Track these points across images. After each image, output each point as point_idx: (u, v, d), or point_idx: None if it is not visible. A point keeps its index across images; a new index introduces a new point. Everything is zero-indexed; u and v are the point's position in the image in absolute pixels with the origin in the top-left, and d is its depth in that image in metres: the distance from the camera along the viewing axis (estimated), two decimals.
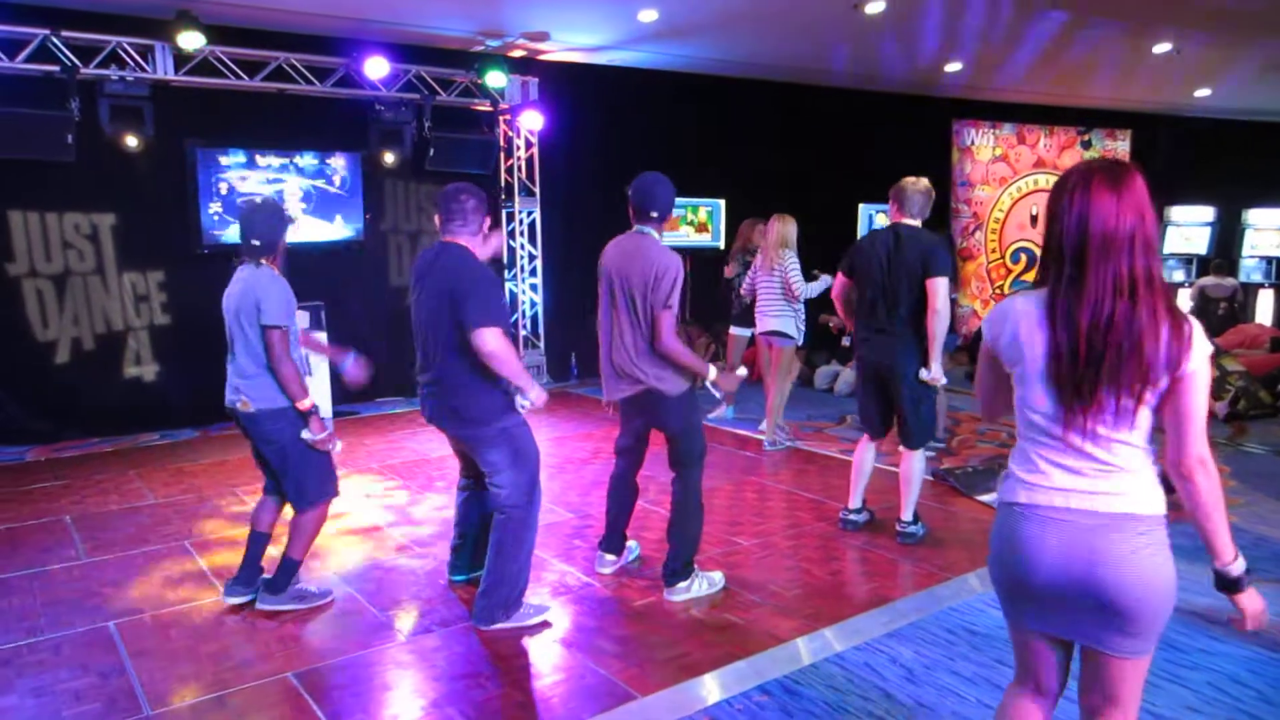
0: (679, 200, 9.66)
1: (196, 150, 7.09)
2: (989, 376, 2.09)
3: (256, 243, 3.67)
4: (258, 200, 3.82)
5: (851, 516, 4.82)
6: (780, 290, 6.39)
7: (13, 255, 6.77)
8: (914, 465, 4.57)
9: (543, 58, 8.93)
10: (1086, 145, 13.42)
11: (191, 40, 6.63)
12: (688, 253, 9.98)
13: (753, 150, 10.32)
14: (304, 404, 3.64)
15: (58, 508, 5.41)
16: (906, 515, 4.65)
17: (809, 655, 3.45)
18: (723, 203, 10.17)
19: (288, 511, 3.92)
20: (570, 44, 8.59)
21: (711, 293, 9.16)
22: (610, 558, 4.29)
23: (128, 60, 6.75)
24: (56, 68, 6.41)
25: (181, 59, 6.91)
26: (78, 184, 6.81)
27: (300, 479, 3.79)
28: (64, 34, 6.44)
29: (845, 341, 8.92)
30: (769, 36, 8.61)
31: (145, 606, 3.95)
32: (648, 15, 7.79)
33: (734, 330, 7.45)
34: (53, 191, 6.81)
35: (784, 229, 6.43)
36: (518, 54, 8.69)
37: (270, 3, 6.92)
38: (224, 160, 7.24)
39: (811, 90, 10.63)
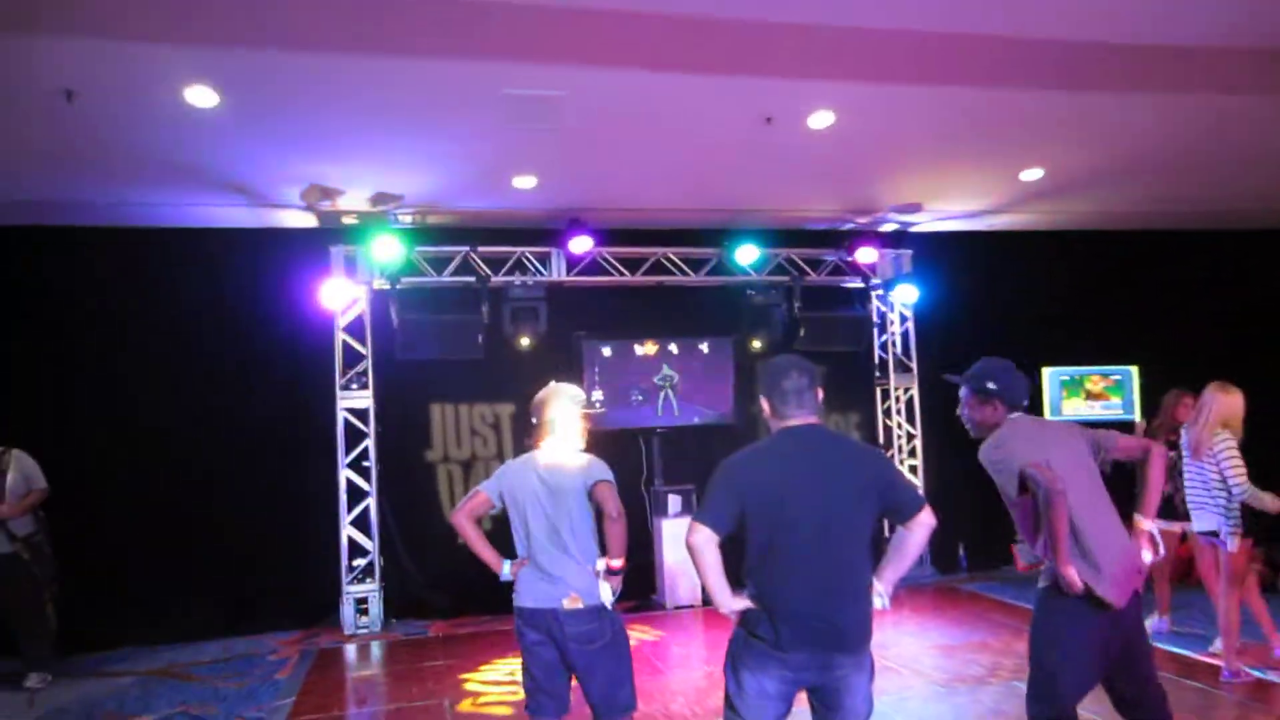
0: (1080, 370, 8.69)
1: (582, 342, 7.60)
2: None
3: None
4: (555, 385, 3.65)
5: None
6: (1211, 480, 5.10)
7: (431, 443, 7.64)
8: None
9: (915, 229, 8.60)
10: None
11: (581, 245, 7.25)
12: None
13: (1169, 309, 8.95)
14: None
15: (440, 690, 5.58)
16: None
17: None
18: (1135, 369, 8.83)
19: None
20: (944, 212, 8.20)
21: (1123, 476, 7.80)
22: None
23: (529, 266, 7.52)
24: (472, 278, 7.29)
25: (573, 261, 7.56)
26: (483, 379, 7.58)
27: (621, 676, 3.46)
28: (480, 249, 7.36)
29: None
30: (1178, 182, 7.56)
31: None
32: (1031, 174, 7.24)
33: (1160, 524, 6.13)
34: (463, 386, 7.64)
35: (1226, 403, 5.15)
36: (889, 228, 8.45)
37: (650, 204, 7.43)
38: (605, 351, 7.67)
39: (1243, 235, 9.10)
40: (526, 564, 3.45)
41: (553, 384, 3.63)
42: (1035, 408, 8.52)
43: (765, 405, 2.96)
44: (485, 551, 3.50)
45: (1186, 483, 5.25)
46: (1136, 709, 3.18)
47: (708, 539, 2.77)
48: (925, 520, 2.89)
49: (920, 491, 2.94)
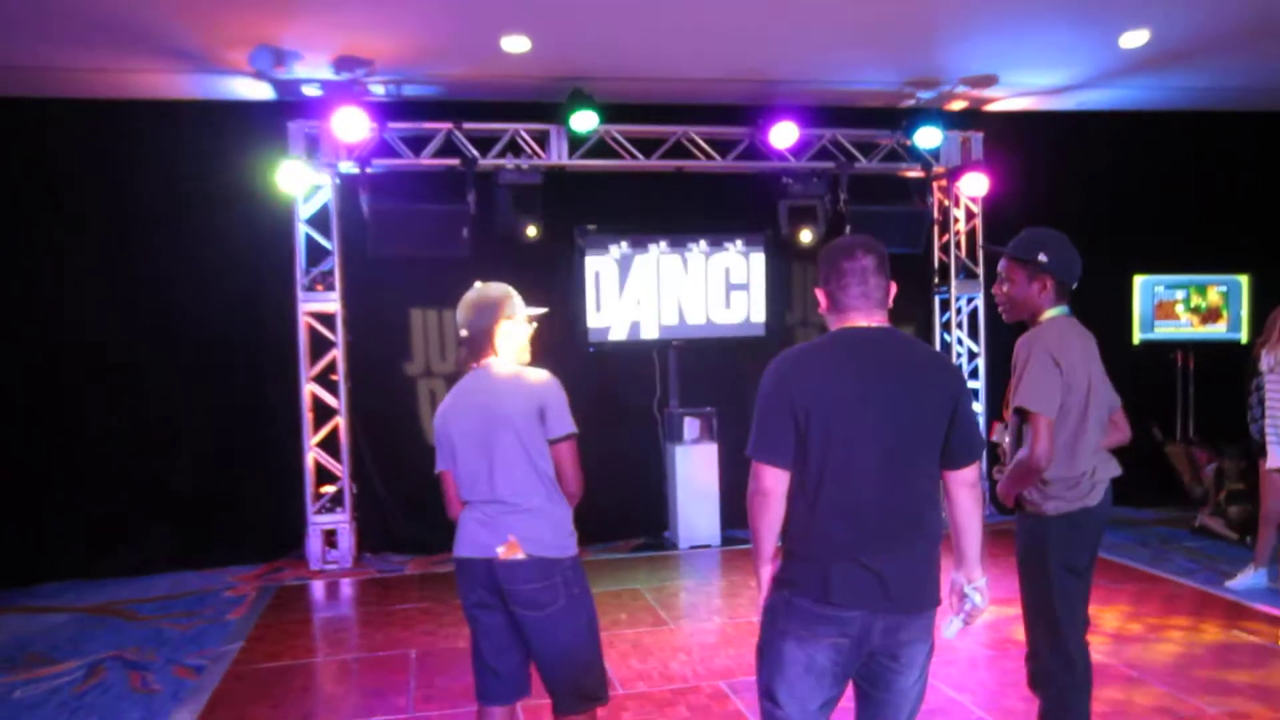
0: (1181, 279, 7.45)
1: (587, 237, 6.56)
2: None
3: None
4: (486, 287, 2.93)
5: None
6: None
7: (411, 354, 6.75)
8: None
9: (988, 108, 7.32)
10: None
11: (585, 121, 6.13)
12: (1190, 348, 7.53)
13: None
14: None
15: (407, 638, 4.88)
16: None
17: None
18: (1244, 280, 7.53)
19: None
20: (1024, 87, 6.91)
21: (1229, 406, 6.62)
22: None
23: (525, 147, 6.43)
24: (456, 161, 6.22)
25: (576, 142, 6.45)
26: (470, 280, 6.44)
27: (582, 655, 2.74)
28: (465, 126, 6.28)
29: None
30: None
31: None
32: (1134, 38, 5.97)
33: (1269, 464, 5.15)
34: (448, 288, 6.53)
35: None
36: (956, 106, 7.18)
37: (668, 73, 6.29)
38: (614, 249, 6.62)
39: None
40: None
41: (479, 285, 2.93)
42: (1124, 324, 7.41)
43: (822, 297, 2.42)
44: None
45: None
46: None
47: (777, 480, 2.23)
48: (971, 479, 2.32)
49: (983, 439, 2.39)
